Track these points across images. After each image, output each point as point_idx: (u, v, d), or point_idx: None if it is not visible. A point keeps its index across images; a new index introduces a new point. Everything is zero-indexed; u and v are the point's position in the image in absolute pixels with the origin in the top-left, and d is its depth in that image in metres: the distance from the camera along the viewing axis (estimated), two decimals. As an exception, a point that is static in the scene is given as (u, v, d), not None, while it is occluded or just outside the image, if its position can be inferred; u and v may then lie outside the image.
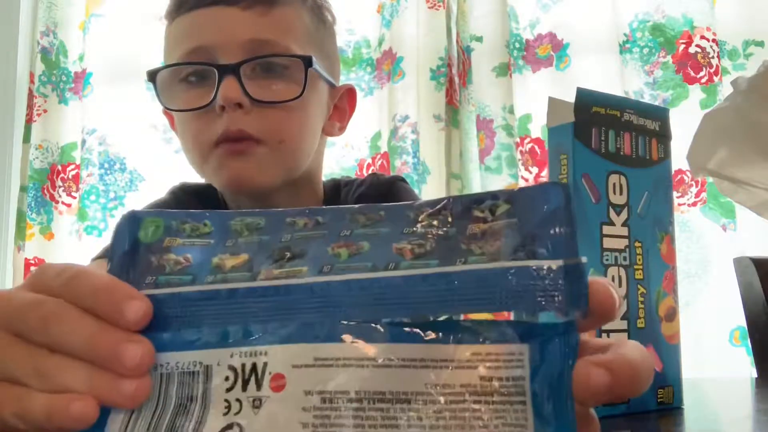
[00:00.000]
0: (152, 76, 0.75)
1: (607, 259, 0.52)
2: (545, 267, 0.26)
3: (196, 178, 0.83)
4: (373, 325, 0.26)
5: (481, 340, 0.26)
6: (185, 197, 0.83)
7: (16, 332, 0.29)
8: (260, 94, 0.71)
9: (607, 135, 0.53)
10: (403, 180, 0.89)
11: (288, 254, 0.29)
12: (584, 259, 0.26)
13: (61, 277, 0.29)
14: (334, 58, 0.84)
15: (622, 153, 0.54)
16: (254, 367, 0.27)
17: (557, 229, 0.26)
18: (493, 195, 0.28)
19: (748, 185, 0.57)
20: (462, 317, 0.26)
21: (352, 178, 0.89)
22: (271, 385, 0.26)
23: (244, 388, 0.26)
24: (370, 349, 0.26)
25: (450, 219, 0.28)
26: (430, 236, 0.28)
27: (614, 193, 0.53)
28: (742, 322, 1.07)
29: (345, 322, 0.26)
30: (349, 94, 0.84)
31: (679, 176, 1.48)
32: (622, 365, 0.26)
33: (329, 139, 0.86)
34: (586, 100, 0.53)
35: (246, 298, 0.28)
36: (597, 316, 0.27)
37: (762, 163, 0.56)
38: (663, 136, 0.57)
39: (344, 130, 0.85)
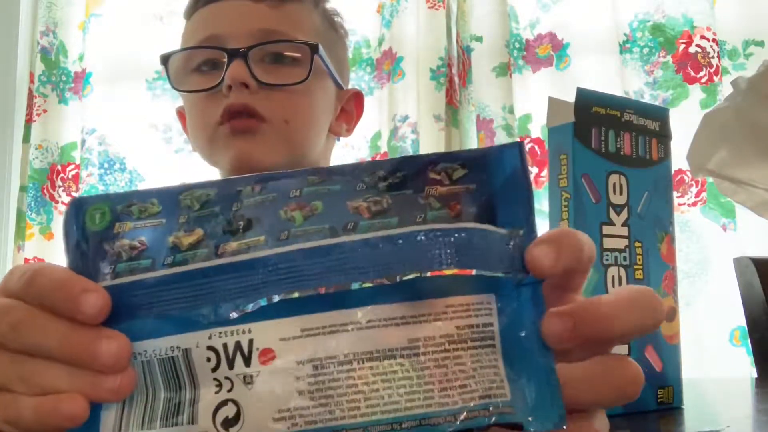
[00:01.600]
0: (165, 60, 0.77)
1: (607, 259, 0.52)
2: (498, 233, 0.28)
3: (196, 178, 0.82)
4: (350, 289, 0.27)
5: (452, 293, 0.27)
6: None
7: None
8: (266, 77, 0.72)
9: (607, 135, 0.53)
10: None
11: (242, 224, 0.28)
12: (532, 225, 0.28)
13: (24, 278, 0.29)
14: (344, 65, 0.85)
15: (622, 153, 0.54)
16: (238, 345, 0.27)
17: (513, 194, 0.28)
18: (449, 156, 0.29)
19: (748, 185, 0.57)
20: (430, 274, 0.27)
21: None
22: (260, 360, 0.26)
23: (231, 367, 0.26)
24: (352, 315, 0.27)
25: (405, 179, 0.29)
26: (385, 193, 0.28)
27: (614, 193, 0.53)
28: (742, 322, 1.07)
29: (322, 291, 0.27)
30: (357, 97, 0.86)
31: (679, 176, 1.48)
32: (585, 310, 0.28)
33: None
34: (586, 100, 0.53)
35: (212, 278, 0.27)
36: (552, 277, 0.28)
37: (762, 163, 0.56)
38: (663, 136, 0.57)
39: (351, 132, 0.86)
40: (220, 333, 0.27)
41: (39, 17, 1.73)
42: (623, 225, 0.53)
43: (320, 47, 0.75)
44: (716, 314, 1.42)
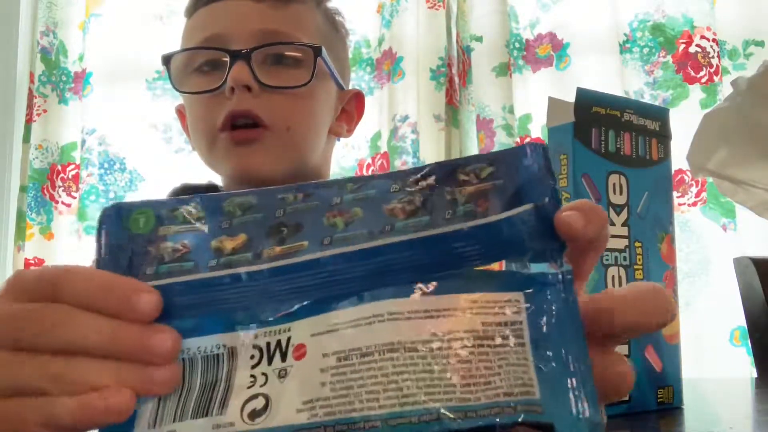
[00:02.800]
0: (166, 60, 0.76)
1: (607, 260, 0.52)
2: (525, 210, 0.28)
3: (196, 178, 0.82)
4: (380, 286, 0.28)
5: (479, 289, 0.28)
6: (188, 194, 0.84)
7: (12, 345, 0.28)
8: (269, 80, 0.72)
9: (607, 135, 0.53)
10: None
11: (285, 230, 0.29)
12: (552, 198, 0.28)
13: (46, 281, 0.29)
14: (345, 65, 0.85)
15: (622, 153, 0.54)
16: (278, 343, 0.28)
17: (538, 182, 0.29)
18: (477, 158, 0.30)
19: (747, 185, 0.57)
20: (458, 271, 0.28)
21: None
22: (294, 355, 0.27)
23: (270, 362, 0.28)
24: (377, 307, 0.27)
25: (436, 181, 0.30)
26: (417, 194, 0.29)
27: (614, 193, 0.53)
28: (742, 322, 1.07)
29: (356, 290, 0.28)
30: (357, 98, 0.85)
31: (679, 176, 1.48)
32: (585, 303, 0.28)
33: None
34: (586, 100, 0.53)
35: (257, 281, 0.28)
36: (579, 240, 0.28)
37: (762, 163, 0.56)
38: (663, 136, 0.57)
39: (352, 132, 0.86)
40: (266, 333, 0.28)
41: (39, 17, 1.73)
42: (623, 225, 0.53)
43: (323, 49, 0.74)
44: (716, 314, 1.42)
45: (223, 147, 0.73)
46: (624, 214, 0.53)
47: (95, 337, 0.27)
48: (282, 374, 0.27)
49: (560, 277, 0.28)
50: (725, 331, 1.45)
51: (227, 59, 0.72)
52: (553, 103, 0.54)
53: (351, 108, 0.84)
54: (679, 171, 1.48)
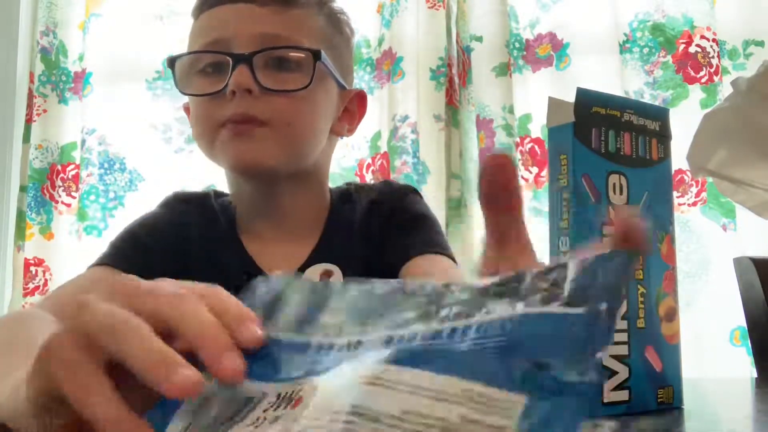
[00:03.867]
0: (171, 62, 0.78)
1: None
2: (577, 315, 0.26)
3: (195, 179, 0.82)
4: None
5: (481, 377, 0.26)
6: (180, 206, 0.85)
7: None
8: (269, 83, 0.74)
9: (607, 135, 0.53)
10: (415, 191, 0.90)
11: (370, 319, 0.31)
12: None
13: (167, 294, 0.32)
14: (348, 65, 0.86)
15: (622, 153, 0.54)
16: (290, 393, 0.29)
17: (605, 292, 0.26)
18: (561, 266, 0.28)
19: (747, 185, 0.57)
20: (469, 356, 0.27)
21: (363, 183, 0.91)
22: (293, 403, 0.28)
23: (275, 409, 0.29)
24: (372, 369, 0.27)
25: (510, 284, 0.29)
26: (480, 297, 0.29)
27: (614, 192, 0.53)
28: (742, 322, 1.07)
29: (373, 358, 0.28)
30: (359, 97, 0.87)
31: (679, 176, 1.48)
32: None
33: None
34: (586, 100, 0.53)
35: (316, 350, 0.31)
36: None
37: (762, 164, 0.56)
38: (663, 136, 0.57)
39: (353, 131, 0.87)
40: (290, 385, 0.30)
41: (39, 17, 1.73)
42: None
43: (322, 53, 0.76)
44: (716, 314, 1.42)
45: (224, 140, 0.75)
46: None
47: (200, 319, 0.31)
48: (274, 419, 0.28)
49: (582, 387, 0.24)
50: (725, 331, 1.45)
51: (230, 62, 0.73)
52: (553, 103, 0.54)
53: (353, 107, 0.86)
54: (679, 171, 1.48)
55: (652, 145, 0.56)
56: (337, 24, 0.84)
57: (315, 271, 0.79)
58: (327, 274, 0.79)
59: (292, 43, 0.76)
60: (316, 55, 0.75)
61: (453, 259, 0.79)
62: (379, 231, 0.82)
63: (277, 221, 0.81)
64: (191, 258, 0.80)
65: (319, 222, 0.83)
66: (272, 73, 0.75)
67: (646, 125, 0.56)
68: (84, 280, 0.75)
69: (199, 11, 0.81)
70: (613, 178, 0.53)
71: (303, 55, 0.76)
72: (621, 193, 0.53)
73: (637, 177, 0.54)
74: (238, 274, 0.76)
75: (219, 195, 0.88)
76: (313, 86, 0.76)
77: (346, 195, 0.87)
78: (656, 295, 0.54)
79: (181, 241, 0.80)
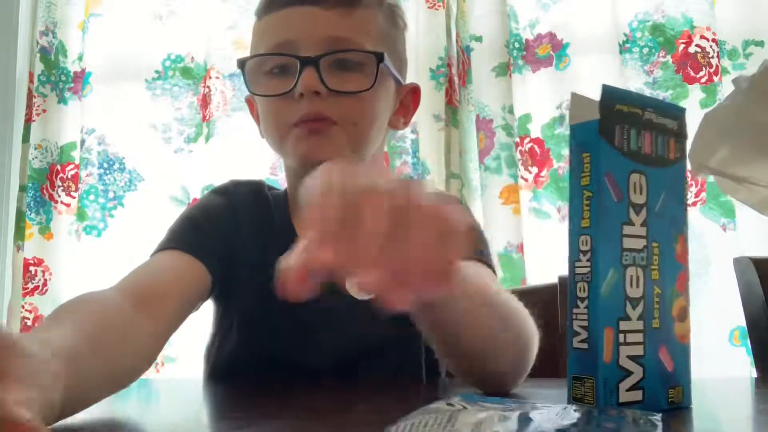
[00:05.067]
0: (242, 64, 0.82)
1: (626, 260, 0.51)
2: None
3: (194, 178, 0.82)
4: None
5: None
6: (234, 190, 0.88)
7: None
8: (336, 84, 0.77)
9: (629, 133, 0.53)
10: (459, 201, 0.94)
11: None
12: None
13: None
14: (403, 59, 0.90)
15: (642, 152, 0.53)
16: None
17: None
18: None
19: (749, 183, 0.57)
20: None
21: None
22: None
23: None
24: None
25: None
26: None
27: (635, 192, 0.52)
28: (742, 322, 1.07)
29: None
30: (414, 92, 0.90)
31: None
32: None
33: None
34: (610, 97, 0.52)
35: None
36: None
37: (763, 161, 0.56)
38: (680, 135, 0.56)
39: (408, 125, 0.91)
40: None
41: (38, 17, 1.73)
42: (642, 225, 0.52)
43: (385, 55, 0.80)
44: (716, 314, 1.42)
45: (295, 137, 0.79)
46: (643, 214, 0.53)
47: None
48: None
49: None
50: (725, 331, 1.45)
51: (297, 65, 0.77)
52: (577, 99, 0.53)
53: (408, 101, 0.89)
54: (679, 171, 1.48)
55: (669, 145, 0.56)
56: (394, 19, 0.87)
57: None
58: None
59: (355, 45, 0.79)
60: (379, 57, 0.79)
61: (494, 270, 0.81)
62: None
63: None
64: (242, 242, 0.82)
65: None
66: (337, 73, 0.78)
67: (666, 124, 0.55)
68: (151, 268, 0.76)
69: (264, 12, 0.83)
70: (634, 178, 0.52)
71: (367, 59, 0.79)
72: (641, 192, 0.53)
73: (655, 176, 0.54)
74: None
75: (270, 188, 0.91)
76: (376, 86, 0.79)
77: None
78: (670, 295, 0.54)
79: (234, 226, 0.83)
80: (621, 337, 0.50)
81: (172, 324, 0.71)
